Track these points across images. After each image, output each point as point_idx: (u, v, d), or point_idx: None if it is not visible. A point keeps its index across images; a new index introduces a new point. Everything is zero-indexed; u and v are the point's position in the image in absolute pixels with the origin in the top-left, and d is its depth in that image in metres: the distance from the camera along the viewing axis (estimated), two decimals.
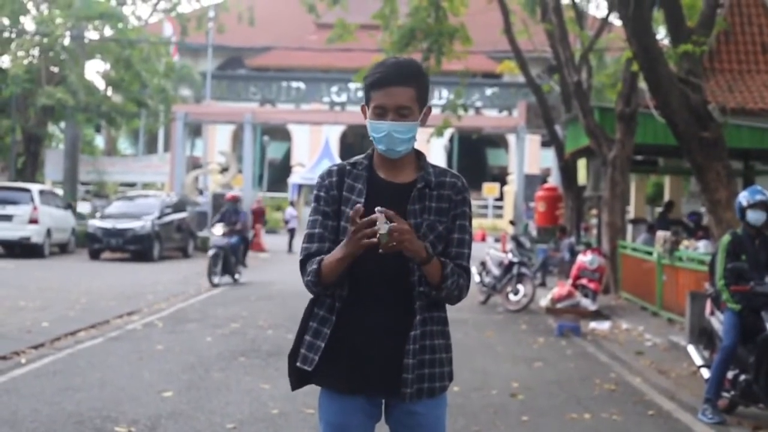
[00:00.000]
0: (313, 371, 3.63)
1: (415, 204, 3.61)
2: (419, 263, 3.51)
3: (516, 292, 17.78)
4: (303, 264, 3.63)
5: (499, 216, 49.91)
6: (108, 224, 27.21)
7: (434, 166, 3.73)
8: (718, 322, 9.01)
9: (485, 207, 49.56)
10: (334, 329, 3.61)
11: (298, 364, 3.67)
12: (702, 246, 17.09)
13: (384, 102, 3.54)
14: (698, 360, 9.42)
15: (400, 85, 3.54)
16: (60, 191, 33.82)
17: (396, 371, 3.56)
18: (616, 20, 25.39)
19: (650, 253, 17.44)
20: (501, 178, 55.31)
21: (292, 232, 35.55)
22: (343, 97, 57.29)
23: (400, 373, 3.55)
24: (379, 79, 3.56)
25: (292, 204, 41.86)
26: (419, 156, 3.74)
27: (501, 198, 51.07)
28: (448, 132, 45.93)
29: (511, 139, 47.55)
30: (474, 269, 18.11)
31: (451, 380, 3.76)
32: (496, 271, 18.34)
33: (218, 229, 20.94)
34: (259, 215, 36.11)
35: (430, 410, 3.68)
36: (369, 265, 3.55)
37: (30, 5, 35.43)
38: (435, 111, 32.20)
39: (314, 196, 3.71)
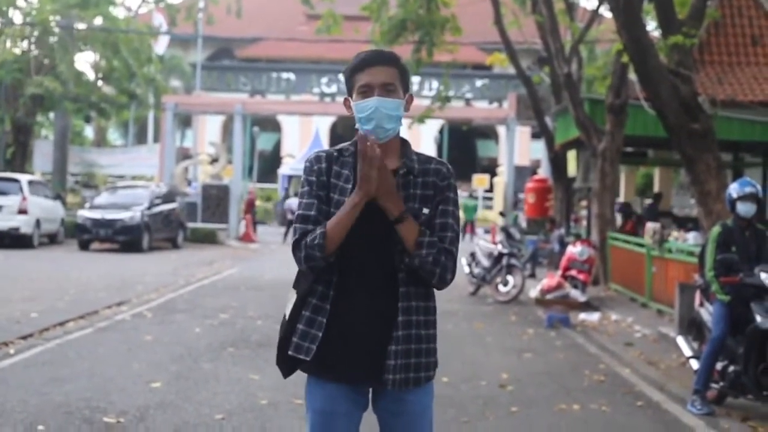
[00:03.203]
0: (302, 359, 3.63)
1: (399, 191, 3.60)
2: (394, 221, 3.53)
3: (505, 284, 17.79)
4: (299, 242, 3.60)
5: (489, 207, 49.89)
6: (97, 215, 27.15)
7: (418, 154, 3.74)
8: (707, 313, 9.03)
9: (475, 198, 49.50)
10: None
11: (290, 352, 3.66)
12: (691, 237, 17.13)
13: (369, 80, 3.59)
14: (687, 351, 9.43)
15: (383, 65, 3.62)
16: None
17: (382, 359, 3.57)
18: (606, 12, 25.42)
19: (640, 245, 17.45)
20: (491, 169, 55.25)
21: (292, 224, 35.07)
22: (333, 88, 57.14)
23: (385, 361, 3.56)
24: (362, 61, 3.63)
25: (296, 195, 41.61)
26: (404, 144, 3.75)
27: (491, 189, 51.04)
28: (438, 123, 45.97)
29: (501, 130, 47.43)
30: (463, 260, 18.14)
31: (436, 368, 3.74)
32: (485, 263, 18.35)
33: None
34: (249, 206, 36.10)
35: (417, 398, 3.68)
36: (356, 251, 3.57)
37: None
38: (426, 102, 32.23)
39: (305, 180, 3.70)
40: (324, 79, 57.26)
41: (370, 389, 3.71)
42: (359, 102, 3.60)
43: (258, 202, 41.25)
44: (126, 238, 27.10)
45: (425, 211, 3.62)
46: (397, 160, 3.68)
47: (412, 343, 3.60)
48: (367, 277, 3.61)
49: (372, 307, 3.59)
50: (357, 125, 3.63)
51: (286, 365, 3.74)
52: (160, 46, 44.62)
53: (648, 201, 30.02)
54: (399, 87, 3.63)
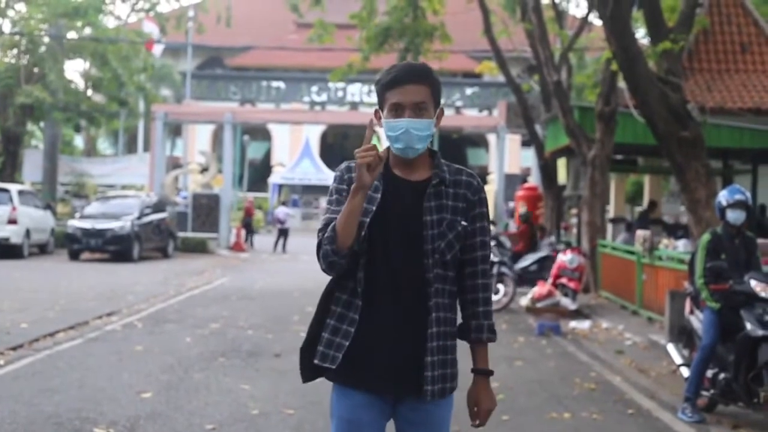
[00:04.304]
0: (327, 367, 3.64)
1: (431, 201, 3.62)
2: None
3: (496, 292, 17.78)
4: (319, 243, 3.59)
5: None
6: (87, 224, 27.12)
7: (448, 164, 3.75)
8: (697, 320, 9.04)
9: None
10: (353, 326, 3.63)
11: (316, 361, 3.66)
12: (681, 245, 17.15)
13: (400, 99, 3.57)
14: (678, 359, 9.45)
15: (415, 83, 3.59)
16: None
17: (410, 369, 3.59)
18: (595, 20, 25.47)
19: (630, 252, 17.48)
20: (481, 177, 55.15)
21: (285, 233, 35.11)
22: (324, 97, 57.21)
23: (413, 371, 3.58)
24: (394, 78, 3.60)
25: (284, 204, 41.68)
26: (433, 155, 3.76)
27: None
28: None
29: (491, 138, 47.56)
30: None
31: (457, 378, 3.79)
32: None
33: None
34: (247, 215, 36.23)
35: (437, 409, 3.71)
36: (385, 259, 3.58)
37: (4, 5, 35.23)
38: None
39: (335, 188, 3.70)
40: (314, 88, 57.28)
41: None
42: (390, 121, 3.59)
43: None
44: (116, 248, 27.06)
45: (464, 223, 3.65)
46: (429, 171, 3.70)
47: (443, 353, 3.64)
48: (397, 287, 3.60)
49: (401, 317, 3.60)
50: (387, 143, 3.66)
51: (308, 372, 3.74)
52: (156, 51, 44.65)
53: (638, 208, 30.10)
54: (431, 105, 3.62)
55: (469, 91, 57.47)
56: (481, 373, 3.81)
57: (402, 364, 3.59)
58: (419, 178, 3.67)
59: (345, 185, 3.66)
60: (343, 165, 3.76)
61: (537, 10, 23.63)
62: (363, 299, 3.61)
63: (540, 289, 17.46)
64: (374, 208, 3.58)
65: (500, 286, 17.80)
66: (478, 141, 59.39)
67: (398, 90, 3.58)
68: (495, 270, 17.84)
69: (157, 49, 45.73)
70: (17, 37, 35.13)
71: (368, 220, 3.55)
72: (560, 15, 26.82)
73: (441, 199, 3.64)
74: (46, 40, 34.80)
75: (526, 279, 19.10)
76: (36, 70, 35.23)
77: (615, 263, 18.81)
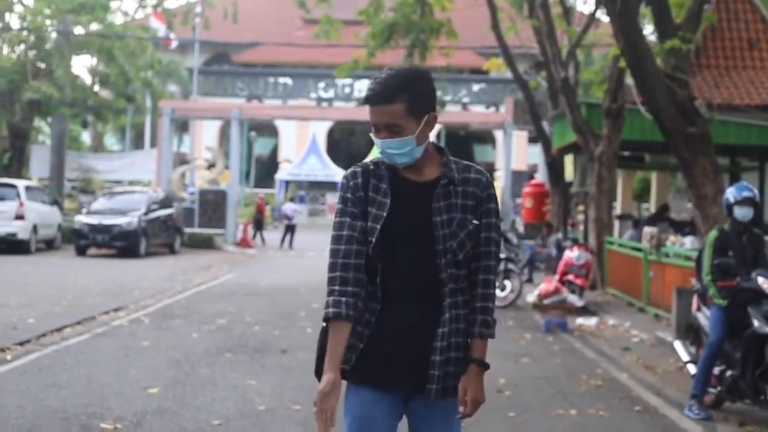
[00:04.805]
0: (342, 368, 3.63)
1: (440, 201, 3.61)
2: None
3: (503, 288, 17.78)
4: (333, 267, 3.60)
5: None
6: (94, 220, 27.15)
7: (456, 162, 3.72)
8: (704, 317, 9.02)
9: None
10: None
11: None
12: (688, 242, 17.12)
13: (374, 120, 3.57)
14: (685, 356, 9.43)
15: (385, 104, 3.52)
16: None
17: (422, 367, 3.59)
18: (603, 16, 25.43)
19: (637, 249, 17.45)
20: (488, 173, 55.33)
21: (292, 229, 35.13)
22: (330, 93, 57.15)
23: (426, 370, 3.58)
24: (366, 98, 3.57)
25: (291, 200, 41.68)
26: (442, 152, 3.74)
27: None
28: (436, 127, 46.06)
29: (498, 135, 47.53)
30: None
31: None
32: None
33: None
34: (258, 211, 36.24)
35: (449, 405, 3.70)
36: (398, 261, 3.59)
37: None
38: None
39: (341, 197, 3.68)
40: (321, 84, 57.23)
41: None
42: (373, 137, 3.62)
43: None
44: (123, 244, 27.09)
45: (475, 222, 3.64)
46: (437, 170, 3.68)
47: (452, 351, 3.62)
48: (409, 288, 3.61)
49: (413, 316, 3.61)
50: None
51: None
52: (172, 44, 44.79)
53: (645, 205, 30.03)
54: (407, 122, 3.53)
55: (476, 87, 57.38)
56: (475, 362, 3.68)
57: (413, 362, 3.59)
58: (428, 178, 3.65)
59: (350, 193, 3.65)
60: (349, 171, 3.74)
61: (544, 6, 23.60)
62: (379, 302, 3.62)
63: (547, 285, 17.43)
64: (385, 214, 3.58)
65: (507, 283, 17.80)
66: (485, 137, 59.31)
67: (372, 110, 3.56)
68: (502, 266, 17.82)
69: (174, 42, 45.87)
70: (24, 33, 35.20)
71: (379, 226, 3.56)
72: (568, 11, 26.76)
73: (450, 198, 3.62)
74: (54, 35, 34.86)
75: None
76: (43, 65, 35.31)
77: (622, 260, 18.79)
